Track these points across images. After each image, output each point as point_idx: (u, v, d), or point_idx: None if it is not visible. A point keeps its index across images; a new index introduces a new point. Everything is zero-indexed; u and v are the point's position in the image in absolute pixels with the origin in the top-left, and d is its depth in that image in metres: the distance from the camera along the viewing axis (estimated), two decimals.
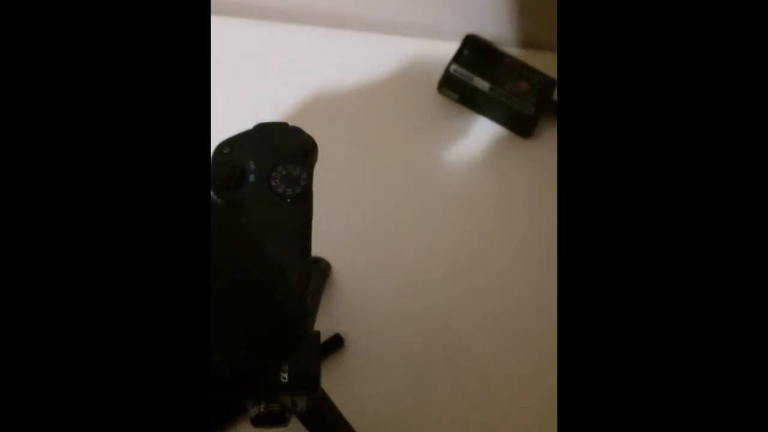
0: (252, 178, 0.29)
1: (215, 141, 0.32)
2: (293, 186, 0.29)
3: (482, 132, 0.46)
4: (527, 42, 0.46)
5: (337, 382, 0.41)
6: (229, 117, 0.36)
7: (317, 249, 0.30)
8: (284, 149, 0.29)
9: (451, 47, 0.46)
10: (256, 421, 0.28)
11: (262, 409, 0.27)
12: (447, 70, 0.44)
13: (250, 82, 0.51)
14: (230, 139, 0.30)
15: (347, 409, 0.39)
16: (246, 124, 0.31)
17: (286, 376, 0.26)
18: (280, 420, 0.30)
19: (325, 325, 0.43)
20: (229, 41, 0.53)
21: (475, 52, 0.44)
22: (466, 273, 0.45)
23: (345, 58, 0.50)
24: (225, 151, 0.29)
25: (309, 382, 0.26)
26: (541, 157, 0.45)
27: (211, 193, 0.29)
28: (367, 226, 0.47)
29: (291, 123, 0.30)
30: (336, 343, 0.42)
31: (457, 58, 0.44)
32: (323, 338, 0.39)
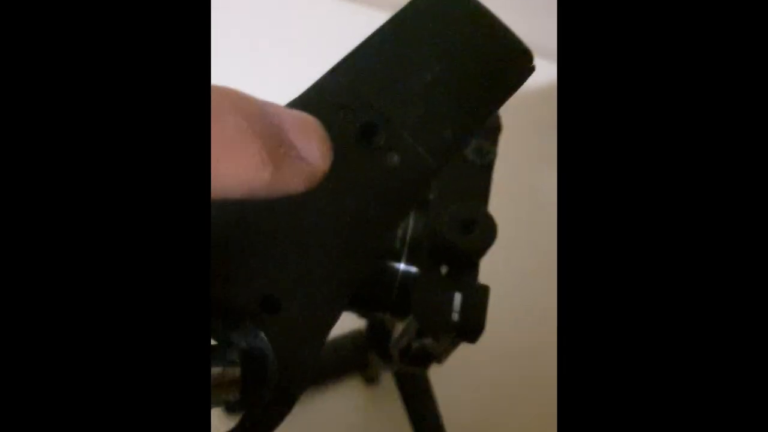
0: None
1: None
2: (482, 157, 0.32)
3: None
4: None
5: None
6: None
7: None
8: None
9: None
10: (406, 353, 0.31)
11: (427, 342, 0.29)
12: None
13: None
14: None
15: None
16: None
17: (457, 315, 0.29)
18: (425, 362, 0.33)
19: None
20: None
21: None
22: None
23: None
24: None
25: (475, 330, 0.29)
26: None
27: None
28: None
29: None
30: None
31: None
32: None
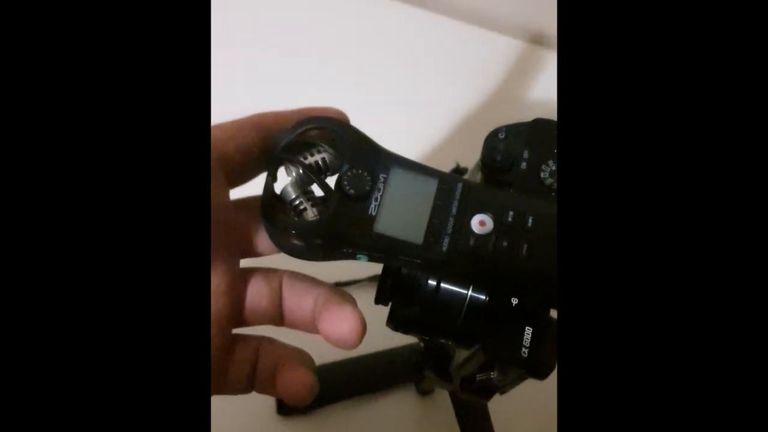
0: (523, 165, 0.31)
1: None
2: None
3: None
4: None
5: None
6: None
7: None
8: (557, 146, 0.31)
9: None
10: (468, 384, 0.30)
11: (493, 376, 0.28)
12: None
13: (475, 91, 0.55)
14: (506, 126, 0.32)
15: None
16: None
17: (526, 351, 0.27)
18: (489, 395, 0.31)
19: None
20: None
21: None
22: None
23: None
24: (500, 137, 0.32)
25: (546, 367, 0.27)
26: None
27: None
28: None
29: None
30: None
31: None
32: None
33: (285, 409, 0.46)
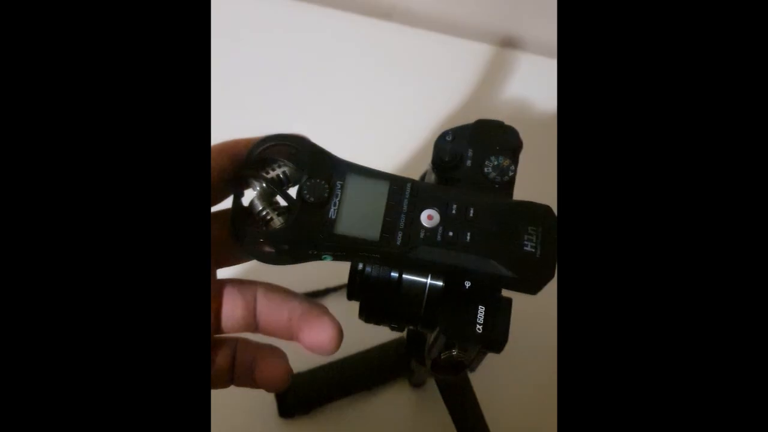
0: (468, 163, 0.34)
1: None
2: (502, 175, 0.34)
3: None
4: None
5: None
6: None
7: None
8: (498, 143, 0.34)
9: None
10: (438, 365, 0.33)
11: (454, 353, 0.31)
12: None
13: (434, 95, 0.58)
14: (452, 129, 0.35)
15: None
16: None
17: (480, 328, 0.30)
18: (458, 370, 0.34)
19: None
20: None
21: None
22: None
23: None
24: (447, 139, 0.35)
25: (499, 341, 0.30)
26: None
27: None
28: None
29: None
30: None
31: None
32: None
33: (286, 411, 0.49)
